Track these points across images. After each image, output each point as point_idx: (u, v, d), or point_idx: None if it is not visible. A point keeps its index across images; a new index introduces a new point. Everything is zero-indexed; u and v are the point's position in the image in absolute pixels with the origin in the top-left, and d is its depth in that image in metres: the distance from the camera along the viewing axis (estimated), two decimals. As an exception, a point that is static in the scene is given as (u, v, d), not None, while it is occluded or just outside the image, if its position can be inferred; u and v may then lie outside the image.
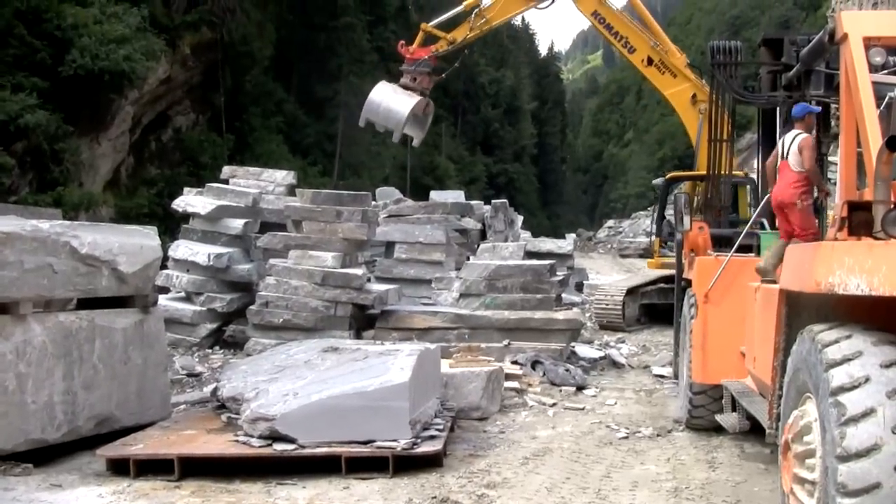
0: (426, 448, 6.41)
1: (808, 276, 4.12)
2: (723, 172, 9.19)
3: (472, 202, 16.99)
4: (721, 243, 8.19)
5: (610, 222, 65.62)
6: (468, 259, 12.91)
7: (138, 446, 6.49)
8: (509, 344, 10.74)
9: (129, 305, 7.53)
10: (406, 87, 15.83)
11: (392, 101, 15.60)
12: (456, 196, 17.88)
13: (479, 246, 13.82)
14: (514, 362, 10.30)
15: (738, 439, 7.35)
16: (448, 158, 65.23)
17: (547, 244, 17.68)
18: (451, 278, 12.25)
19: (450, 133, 71.81)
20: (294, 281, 11.12)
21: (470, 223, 15.40)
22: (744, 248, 7.52)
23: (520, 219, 19.46)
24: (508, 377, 9.49)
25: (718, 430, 7.44)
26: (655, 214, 18.30)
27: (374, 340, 10.06)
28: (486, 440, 7.53)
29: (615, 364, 11.99)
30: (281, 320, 11.01)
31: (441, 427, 6.94)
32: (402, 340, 10.05)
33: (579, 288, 19.48)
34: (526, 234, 19.65)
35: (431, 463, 6.44)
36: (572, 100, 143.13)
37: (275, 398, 6.54)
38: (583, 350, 12.16)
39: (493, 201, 17.59)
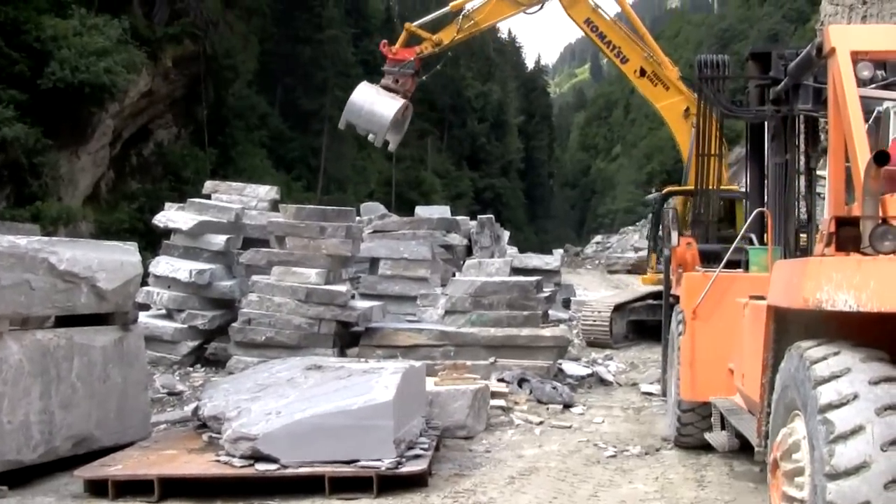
0: (411, 468, 6.39)
1: (795, 293, 4.14)
2: (711, 187, 9.25)
3: (458, 217, 16.97)
4: (709, 259, 8.22)
5: (598, 238, 65.76)
6: (454, 275, 12.90)
7: (117, 467, 6.44)
8: (495, 361, 10.72)
9: (109, 323, 7.49)
10: (388, 89, 15.70)
11: (375, 103, 15.47)
12: (441, 211, 17.86)
13: (464, 262, 13.81)
14: (501, 380, 10.28)
15: (727, 457, 7.35)
16: (434, 173, 65.42)
17: (534, 260, 17.67)
18: (436, 295, 12.25)
19: (436, 147, 72.05)
20: (277, 298, 11.08)
21: (456, 239, 15.39)
22: (732, 264, 7.55)
23: (506, 234, 19.46)
24: (494, 395, 9.47)
25: (707, 448, 7.44)
26: (650, 229, 18.26)
27: (358, 358, 10.03)
28: (472, 459, 7.51)
29: (603, 381, 11.99)
30: (264, 338, 10.96)
31: (426, 446, 6.92)
32: (386, 358, 10.01)
33: (566, 304, 19.47)
34: (512, 250, 19.64)
35: (416, 483, 6.42)
36: (560, 114, 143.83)
37: (257, 417, 6.51)
38: (570, 367, 12.15)
39: (479, 217, 17.58)
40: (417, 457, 6.62)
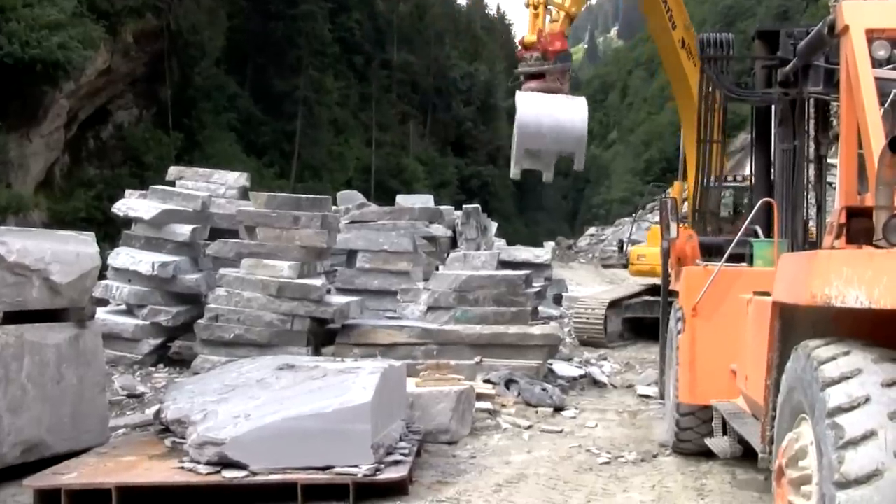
0: (390, 474, 6.39)
1: (803, 288, 4.14)
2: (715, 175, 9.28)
3: (442, 207, 16.95)
4: (711, 252, 8.24)
5: (592, 229, 66.01)
6: (437, 269, 12.90)
7: (71, 475, 6.40)
8: (481, 361, 10.73)
9: (64, 319, 7.42)
10: (549, 92, 12.62)
11: (560, 112, 12.29)
12: (424, 200, 17.84)
13: (448, 255, 13.80)
14: (487, 381, 10.30)
15: (729, 465, 7.38)
16: (416, 160, 65.35)
17: (523, 253, 17.67)
18: (418, 290, 12.23)
19: (418, 132, 72.04)
20: (247, 292, 11.04)
21: (439, 230, 15.38)
22: (735, 258, 7.57)
23: (494, 225, 19.46)
24: (480, 397, 9.48)
25: (708, 454, 7.47)
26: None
27: (333, 357, 10.02)
28: (456, 466, 7.52)
29: (596, 383, 12.03)
30: (232, 335, 10.93)
31: (406, 451, 6.92)
32: (364, 357, 10.00)
33: (558, 300, 19.49)
34: (500, 243, 19.64)
35: (395, 490, 6.43)
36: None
37: (224, 421, 6.49)
38: (561, 368, 12.18)
39: (464, 206, 17.55)
40: (397, 463, 6.62)
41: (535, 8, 12.66)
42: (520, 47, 13.03)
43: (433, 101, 75.08)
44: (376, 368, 7.28)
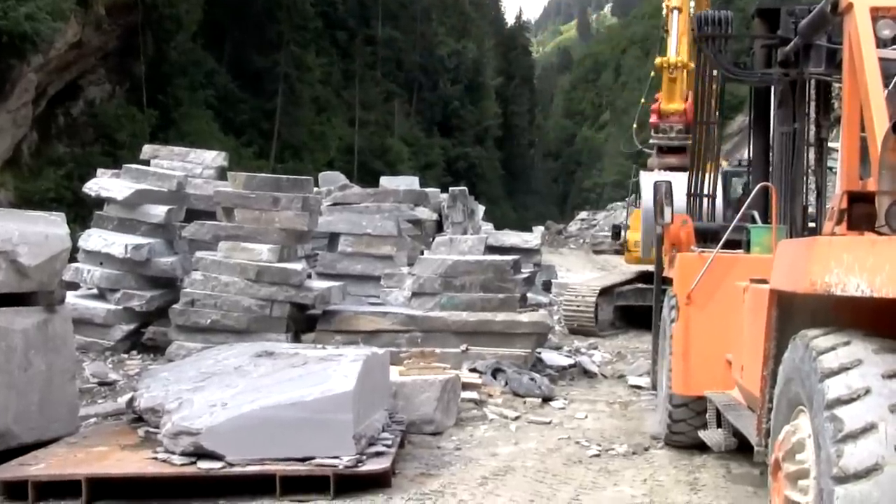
0: (372, 466, 6.39)
1: (801, 275, 4.14)
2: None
3: (428, 190, 16.95)
4: (706, 238, 8.25)
5: (583, 214, 66.06)
6: (422, 253, 12.89)
7: (39, 466, 6.37)
8: (467, 349, 10.74)
9: (32, 303, 7.37)
10: (672, 168, 13.03)
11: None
12: (409, 182, 17.82)
13: (434, 239, 13.80)
14: (473, 370, 10.31)
15: (723, 458, 7.41)
16: (401, 140, 65.19)
17: (511, 238, 17.71)
18: (402, 275, 12.22)
19: (403, 112, 71.81)
20: (224, 276, 11.02)
21: (425, 213, 15.37)
22: (732, 244, 7.58)
23: (481, 209, 19.49)
24: (466, 387, 9.49)
25: (702, 447, 7.50)
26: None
27: (314, 344, 10.02)
28: (440, 457, 7.53)
29: (586, 373, 12.05)
30: (209, 321, 10.90)
31: (389, 442, 6.92)
32: (346, 344, 10.00)
33: (547, 287, 19.56)
34: (488, 227, 19.68)
35: (378, 483, 6.43)
36: (542, 76, 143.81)
37: (200, 409, 6.47)
38: (550, 357, 12.20)
39: (450, 189, 17.56)
40: (379, 454, 6.62)
41: (672, 72, 12.96)
42: (654, 116, 12.89)
43: (419, 79, 74.89)
44: (358, 356, 7.28)
